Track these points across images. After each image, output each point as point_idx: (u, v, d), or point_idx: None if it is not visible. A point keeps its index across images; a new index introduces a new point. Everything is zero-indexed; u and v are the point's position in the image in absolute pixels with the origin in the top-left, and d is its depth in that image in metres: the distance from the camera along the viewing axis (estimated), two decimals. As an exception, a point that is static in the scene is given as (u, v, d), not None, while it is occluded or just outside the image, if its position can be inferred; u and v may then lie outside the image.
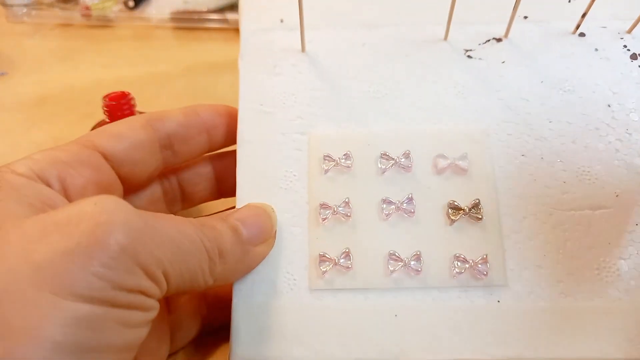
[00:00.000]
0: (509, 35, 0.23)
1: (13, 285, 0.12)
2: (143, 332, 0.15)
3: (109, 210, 0.13)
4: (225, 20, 0.42)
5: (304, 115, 0.22)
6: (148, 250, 0.14)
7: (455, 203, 0.20)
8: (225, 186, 0.24)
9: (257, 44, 0.24)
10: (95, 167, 0.18)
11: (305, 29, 0.23)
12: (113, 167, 0.19)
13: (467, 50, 0.23)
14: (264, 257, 0.19)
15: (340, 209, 0.20)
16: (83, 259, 0.12)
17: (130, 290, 0.14)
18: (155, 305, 0.15)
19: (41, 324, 0.12)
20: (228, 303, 0.20)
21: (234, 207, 0.21)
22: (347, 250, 0.20)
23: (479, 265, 0.19)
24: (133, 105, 0.28)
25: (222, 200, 0.25)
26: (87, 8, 0.43)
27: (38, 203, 0.15)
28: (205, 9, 0.43)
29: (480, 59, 0.23)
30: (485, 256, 0.19)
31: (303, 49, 0.23)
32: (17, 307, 0.12)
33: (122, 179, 0.20)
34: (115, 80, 0.38)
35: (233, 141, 0.22)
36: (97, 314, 0.13)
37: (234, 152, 0.22)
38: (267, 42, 0.24)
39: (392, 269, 0.19)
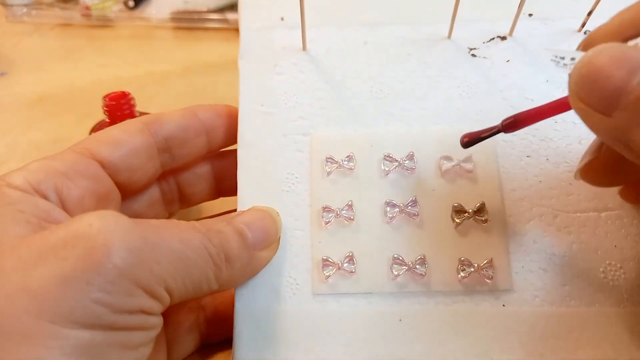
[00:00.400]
0: (514, 34, 0.23)
1: (10, 315, 0.12)
2: (146, 351, 0.14)
3: (105, 230, 0.13)
4: (225, 20, 0.42)
5: (306, 115, 0.22)
6: (148, 269, 0.13)
7: (460, 206, 0.19)
8: (224, 186, 0.23)
9: (257, 43, 0.23)
10: (92, 176, 0.17)
11: (306, 28, 0.22)
12: (110, 175, 0.18)
13: (471, 49, 0.22)
14: (268, 262, 0.19)
15: (343, 212, 0.20)
16: (80, 285, 0.12)
17: (132, 312, 0.13)
18: (158, 322, 0.14)
19: (40, 355, 0.11)
20: (228, 319, 0.19)
21: (234, 209, 0.20)
22: (350, 254, 0.19)
23: (484, 270, 0.19)
24: (133, 105, 0.27)
25: (221, 199, 0.24)
26: (87, 8, 0.42)
27: (35, 219, 0.14)
28: (205, 9, 0.42)
29: (484, 57, 0.22)
30: (490, 260, 0.19)
31: (304, 48, 0.23)
32: (15, 338, 0.11)
33: (120, 186, 0.19)
34: (115, 80, 0.37)
35: (233, 141, 0.22)
36: (98, 340, 0.12)
37: (233, 151, 0.21)
38: (268, 41, 0.23)
39: (396, 273, 0.19)
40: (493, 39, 0.23)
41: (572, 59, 0.16)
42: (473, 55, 0.22)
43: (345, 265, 0.19)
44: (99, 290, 0.12)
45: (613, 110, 0.12)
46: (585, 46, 0.17)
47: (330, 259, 0.19)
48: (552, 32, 0.23)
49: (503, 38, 0.23)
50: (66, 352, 0.11)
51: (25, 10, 0.43)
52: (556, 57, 0.17)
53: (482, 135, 0.18)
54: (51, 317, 0.11)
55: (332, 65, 0.22)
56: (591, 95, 0.13)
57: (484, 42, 0.23)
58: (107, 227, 0.13)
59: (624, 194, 0.17)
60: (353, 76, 0.22)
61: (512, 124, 0.17)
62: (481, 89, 0.22)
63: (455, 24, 0.22)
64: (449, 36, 0.23)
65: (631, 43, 0.15)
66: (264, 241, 0.18)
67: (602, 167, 0.16)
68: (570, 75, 0.14)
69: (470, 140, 0.18)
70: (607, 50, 0.13)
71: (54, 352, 0.11)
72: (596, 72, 0.13)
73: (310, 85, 0.22)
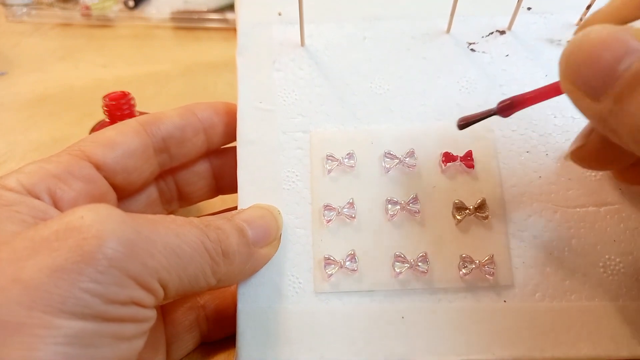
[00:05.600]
0: (513, 28, 0.22)
1: (3, 306, 0.11)
2: (139, 343, 0.14)
3: (97, 222, 0.13)
4: (225, 20, 0.41)
5: (305, 112, 0.21)
6: (140, 261, 0.13)
7: (461, 203, 0.19)
8: (223, 184, 0.23)
9: (254, 39, 0.22)
10: (86, 179, 0.17)
11: (305, 23, 0.21)
12: (106, 177, 0.18)
13: (470, 44, 0.22)
14: (268, 260, 0.18)
15: (344, 210, 0.19)
16: (72, 276, 0.12)
17: (123, 303, 0.13)
18: (151, 314, 0.14)
19: (33, 345, 0.11)
20: (228, 318, 0.19)
21: (235, 207, 0.20)
22: (352, 252, 0.18)
23: (486, 266, 0.18)
24: (133, 105, 0.26)
25: (221, 198, 0.24)
26: (87, 8, 0.41)
27: (31, 218, 0.14)
28: (205, 9, 0.41)
29: (483, 52, 0.21)
30: (491, 256, 0.18)
31: (302, 44, 0.22)
32: (8, 328, 0.11)
33: (116, 187, 0.18)
34: (115, 80, 0.37)
35: (232, 139, 0.21)
36: (90, 330, 0.12)
37: (232, 149, 0.21)
38: (265, 37, 0.22)
39: (398, 270, 0.18)
40: (492, 33, 0.22)
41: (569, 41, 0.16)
42: (472, 50, 0.22)
43: (347, 263, 0.18)
44: (89, 280, 0.12)
45: (600, 95, 0.12)
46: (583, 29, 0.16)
47: (332, 258, 0.18)
48: (550, 26, 0.22)
49: (502, 32, 0.22)
50: (58, 341, 0.11)
51: (25, 10, 0.42)
52: (553, 39, 0.16)
53: (478, 118, 0.17)
54: (43, 308, 0.11)
55: (331, 61, 0.22)
56: (579, 79, 0.12)
57: (482, 37, 0.22)
58: (98, 219, 0.13)
59: (617, 177, 0.17)
60: (352, 72, 0.21)
61: (508, 107, 0.16)
62: (481, 84, 0.21)
63: (454, 18, 0.21)
64: (448, 31, 0.22)
65: (632, 25, 0.14)
66: (264, 239, 0.18)
67: (591, 153, 0.16)
68: (561, 55, 0.13)
69: (467, 123, 0.17)
70: (597, 32, 0.12)
71: (46, 341, 0.11)
72: (584, 54, 0.12)
73: (309, 82, 0.21)
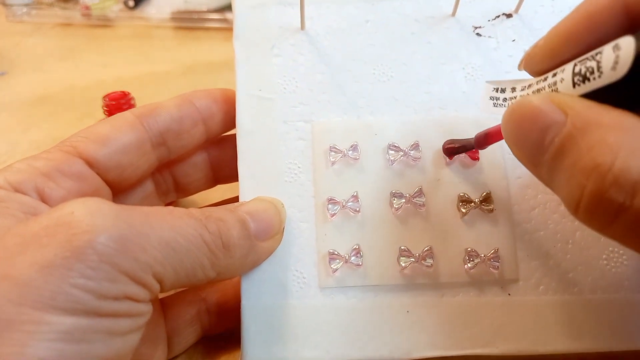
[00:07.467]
0: (520, 11, 0.21)
1: None
2: (134, 338, 0.13)
3: (87, 217, 0.12)
4: (225, 20, 0.40)
5: (306, 101, 0.20)
6: (132, 256, 0.12)
7: (466, 196, 0.18)
8: (221, 173, 0.22)
9: (252, 22, 0.21)
10: (77, 176, 0.16)
11: (305, 4, 0.20)
12: (99, 173, 0.17)
13: (476, 28, 0.21)
14: (271, 253, 0.18)
15: (349, 203, 0.18)
16: (62, 271, 0.11)
17: (116, 298, 0.12)
18: (146, 309, 0.13)
19: (23, 341, 0.10)
20: (229, 311, 0.18)
21: (235, 197, 0.19)
22: (357, 246, 0.18)
23: (491, 260, 0.17)
24: (133, 105, 0.26)
25: (221, 188, 0.23)
26: (87, 7, 0.40)
27: (21, 214, 0.14)
28: (205, 9, 0.41)
29: (489, 37, 0.20)
30: (496, 250, 0.18)
31: (302, 27, 0.20)
32: None
33: (110, 184, 0.17)
34: (115, 79, 0.36)
35: (231, 127, 0.20)
36: (82, 326, 0.11)
37: (230, 137, 0.20)
38: (263, 20, 0.21)
39: (403, 265, 0.17)
40: (498, 16, 0.21)
41: (513, 89, 0.16)
42: (478, 34, 0.20)
43: (353, 258, 0.18)
44: (80, 276, 0.12)
45: (537, 164, 0.13)
46: (525, 64, 0.15)
47: (336, 252, 0.18)
48: (558, 9, 0.21)
49: (509, 16, 0.21)
50: (50, 338, 0.11)
51: (25, 10, 0.41)
52: (496, 92, 0.16)
53: (460, 150, 0.18)
54: (33, 304, 0.11)
55: (332, 46, 0.20)
56: (519, 148, 0.13)
57: (489, 20, 0.21)
58: (89, 213, 0.12)
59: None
60: (354, 58, 0.20)
61: (483, 140, 0.17)
62: (486, 71, 0.20)
63: (459, 1, 0.20)
64: (454, 14, 0.21)
65: (559, 74, 0.13)
66: (266, 232, 0.17)
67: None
68: (501, 123, 0.14)
69: (453, 153, 0.19)
70: (521, 109, 0.13)
71: (36, 337, 0.11)
72: (516, 131, 0.13)
73: (310, 68, 0.20)
